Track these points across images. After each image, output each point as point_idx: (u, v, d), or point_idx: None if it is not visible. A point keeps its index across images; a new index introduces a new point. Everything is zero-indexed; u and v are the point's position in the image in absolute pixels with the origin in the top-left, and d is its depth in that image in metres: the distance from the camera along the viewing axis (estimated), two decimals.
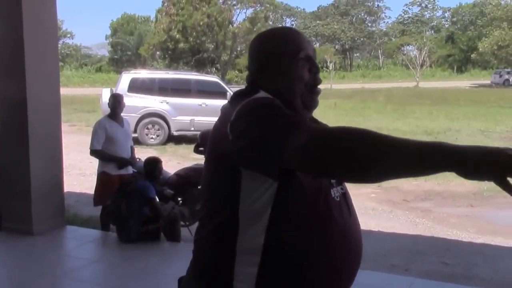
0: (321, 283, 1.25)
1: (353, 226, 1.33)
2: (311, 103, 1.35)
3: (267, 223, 1.20)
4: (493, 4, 49.52)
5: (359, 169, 1.03)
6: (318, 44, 63.53)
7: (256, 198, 1.20)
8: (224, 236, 1.25)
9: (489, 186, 8.29)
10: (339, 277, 1.27)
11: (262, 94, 1.27)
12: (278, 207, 1.20)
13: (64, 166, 5.28)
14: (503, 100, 25.11)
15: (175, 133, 12.55)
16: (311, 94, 1.34)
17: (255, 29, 41.49)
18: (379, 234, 5.65)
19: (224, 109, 1.32)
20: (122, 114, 5.24)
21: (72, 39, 63.20)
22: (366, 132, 1.04)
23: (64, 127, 7.73)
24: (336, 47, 64.72)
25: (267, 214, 1.20)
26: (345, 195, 1.34)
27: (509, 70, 44.97)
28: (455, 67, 59.26)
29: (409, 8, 70.42)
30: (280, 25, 71.87)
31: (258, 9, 44.14)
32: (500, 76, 43.55)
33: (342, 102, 23.57)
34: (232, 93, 1.38)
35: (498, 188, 0.95)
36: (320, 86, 1.38)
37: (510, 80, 42.99)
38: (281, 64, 1.32)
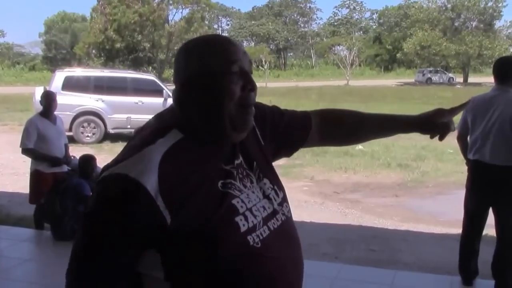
0: None
1: (291, 256, 1.18)
2: (243, 126, 1.14)
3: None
4: (416, 7, 52.14)
5: None
6: (253, 44, 64.31)
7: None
8: None
9: (412, 177, 8.82)
10: None
11: (145, 154, 1.05)
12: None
13: None
14: (426, 97, 26.43)
15: (112, 131, 12.36)
16: (243, 115, 1.12)
17: (192, 28, 41.35)
18: (311, 225, 5.83)
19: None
20: (56, 112, 5.15)
21: (3, 37, 60.33)
22: None
23: None
24: (271, 46, 65.70)
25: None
26: (282, 225, 1.19)
27: (431, 69, 47.63)
28: (382, 66, 61.84)
29: (338, 10, 73.09)
30: (216, 25, 72.05)
31: (195, 8, 43.91)
32: (423, 74, 46.10)
33: (276, 100, 23.72)
34: (132, 138, 1.17)
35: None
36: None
37: (432, 78, 45.56)
38: (209, 80, 1.09)
